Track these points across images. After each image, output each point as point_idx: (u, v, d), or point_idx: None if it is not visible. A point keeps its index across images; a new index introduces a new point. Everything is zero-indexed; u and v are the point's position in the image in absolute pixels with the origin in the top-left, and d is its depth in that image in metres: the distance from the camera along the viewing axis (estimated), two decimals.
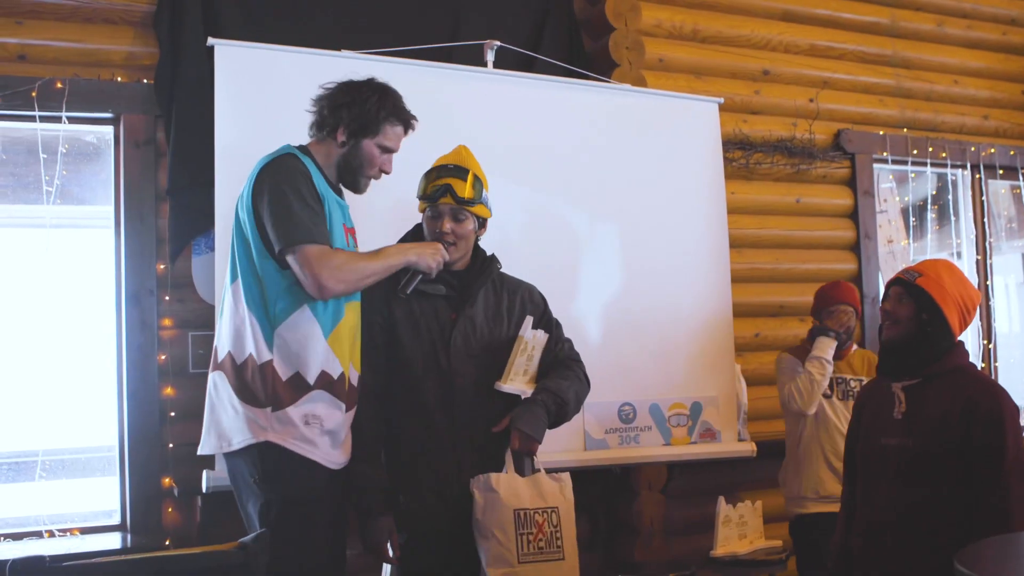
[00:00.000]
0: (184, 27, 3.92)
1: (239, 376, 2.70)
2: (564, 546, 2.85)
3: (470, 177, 2.96)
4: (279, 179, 2.69)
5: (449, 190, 2.92)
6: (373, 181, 2.96)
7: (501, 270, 3.12)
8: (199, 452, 2.84)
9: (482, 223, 3.04)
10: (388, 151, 2.90)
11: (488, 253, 3.11)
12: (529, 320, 2.97)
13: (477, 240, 3.07)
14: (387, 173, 2.93)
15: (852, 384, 4.20)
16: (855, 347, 4.35)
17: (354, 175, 2.89)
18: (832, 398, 4.17)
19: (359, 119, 2.82)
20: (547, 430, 2.91)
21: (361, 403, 2.88)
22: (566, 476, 2.95)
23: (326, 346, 2.72)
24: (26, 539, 3.71)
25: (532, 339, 2.94)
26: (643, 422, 4.15)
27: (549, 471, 2.94)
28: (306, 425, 2.69)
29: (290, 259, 2.64)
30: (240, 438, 2.68)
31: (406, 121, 2.92)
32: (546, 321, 3.10)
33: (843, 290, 4.33)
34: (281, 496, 2.66)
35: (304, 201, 2.67)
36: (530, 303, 3.10)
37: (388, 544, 2.85)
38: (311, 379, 2.70)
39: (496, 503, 2.78)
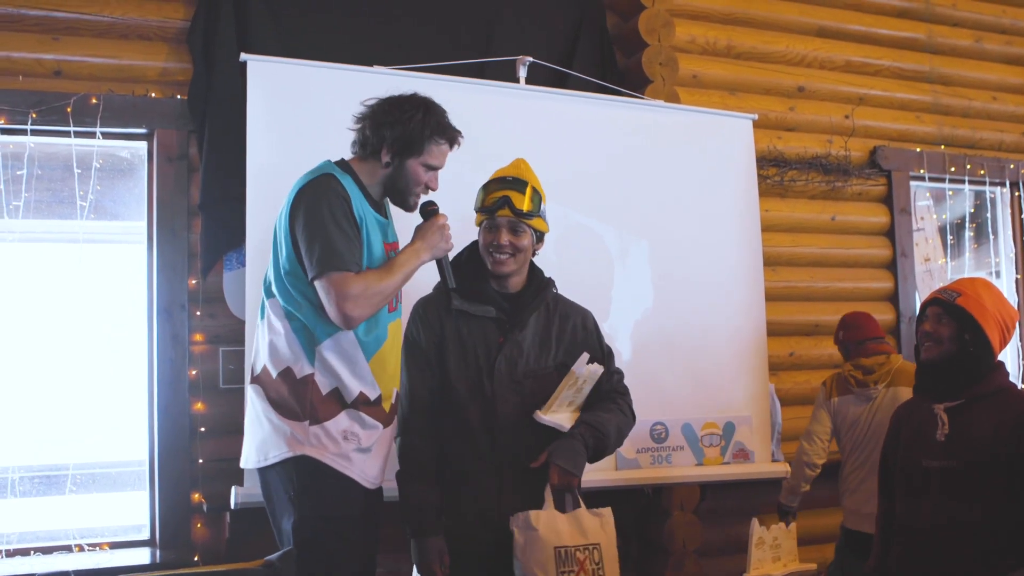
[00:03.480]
0: (217, 43, 3.94)
1: (276, 389, 2.67)
2: None
3: (528, 190, 2.91)
4: (314, 203, 2.63)
5: (507, 202, 2.88)
6: None
7: (556, 292, 3.07)
8: (241, 466, 2.83)
9: (540, 237, 2.99)
10: (433, 169, 2.82)
11: (546, 276, 3.06)
12: (585, 356, 2.89)
13: (534, 254, 3.02)
14: (433, 190, 2.85)
15: None
16: None
17: (401, 195, 2.82)
18: None
19: (402, 139, 2.74)
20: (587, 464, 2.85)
21: (414, 421, 2.85)
22: (607, 511, 2.88)
23: (367, 369, 2.70)
24: (56, 553, 3.72)
25: (584, 374, 2.86)
26: (675, 442, 4.10)
27: (581, 493, 2.89)
28: (344, 440, 2.66)
29: (319, 288, 2.60)
30: (276, 452, 2.65)
31: (451, 138, 2.83)
32: (599, 351, 3.03)
33: (874, 325, 4.29)
34: (316, 512, 2.63)
35: (338, 225, 2.61)
36: (582, 330, 3.03)
37: (439, 565, 2.80)
38: (349, 398, 2.68)
39: (536, 541, 2.73)
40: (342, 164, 2.80)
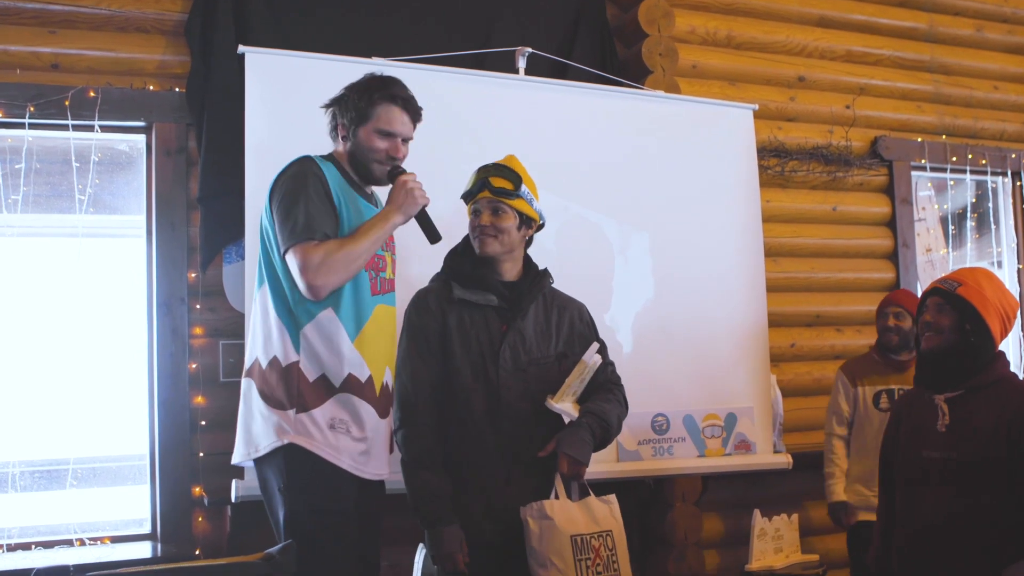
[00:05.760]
0: (215, 36, 3.93)
1: (266, 380, 2.69)
2: (621, 569, 2.82)
3: (507, 172, 2.95)
4: (285, 183, 2.70)
5: (486, 184, 2.91)
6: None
7: (552, 284, 3.09)
8: (232, 462, 2.83)
9: (527, 222, 2.99)
10: (388, 135, 2.82)
11: (540, 267, 3.08)
12: (595, 345, 2.93)
13: (527, 245, 3.05)
14: (396, 158, 2.84)
15: None
16: None
17: (364, 167, 2.85)
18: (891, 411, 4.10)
19: (352, 110, 2.80)
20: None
21: (419, 411, 2.84)
22: (613, 498, 2.92)
23: (352, 348, 2.70)
24: (57, 547, 3.73)
25: (591, 363, 2.91)
26: (677, 433, 4.09)
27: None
28: (331, 429, 2.66)
29: (288, 262, 2.65)
30: (266, 442, 2.66)
31: (396, 98, 2.83)
32: (598, 343, 3.06)
33: (896, 293, 4.33)
34: (306, 506, 2.63)
35: (308, 199, 2.65)
36: (580, 322, 3.06)
37: (460, 554, 2.77)
38: (337, 382, 2.68)
39: (552, 530, 2.74)
40: (328, 156, 2.85)
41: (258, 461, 2.72)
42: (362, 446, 2.71)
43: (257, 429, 2.69)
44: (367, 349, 2.73)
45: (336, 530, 2.65)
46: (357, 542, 2.72)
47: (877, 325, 4.26)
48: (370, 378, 2.73)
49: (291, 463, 2.63)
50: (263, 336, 2.72)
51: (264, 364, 2.69)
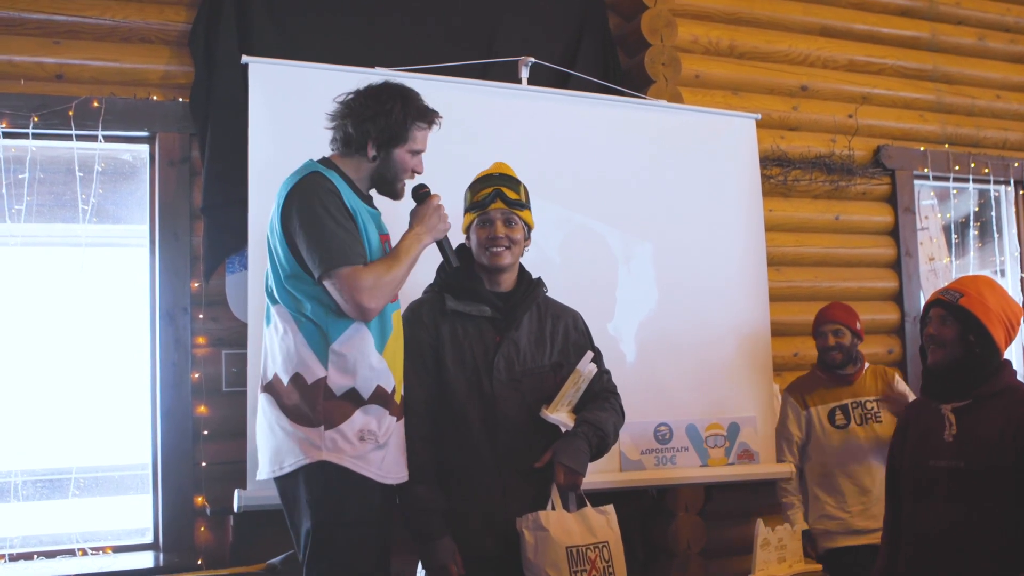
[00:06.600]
0: (219, 46, 3.94)
1: (288, 396, 2.65)
2: None
3: (514, 182, 2.96)
4: (307, 202, 2.63)
5: (499, 195, 2.91)
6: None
7: (546, 293, 3.09)
8: (258, 478, 2.81)
9: (527, 233, 3.01)
10: (418, 153, 2.84)
11: (534, 276, 3.08)
12: (589, 355, 2.94)
13: (523, 252, 3.04)
14: (419, 173, 2.86)
15: (869, 406, 4.08)
16: (866, 365, 4.22)
17: (390, 184, 2.83)
18: (849, 426, 4.07)
19: (386, 131, 2.75)
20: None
21: (413, 423, 2.84)
22: (611, 508, 2.91)
23: (381, 359, 2.69)
24: (59, 557, 3.72)
25: (586, 373, 2.90)
26: (680, 443, 4.08)
27: (585, 494, 2.89)
28: (361, 441, 2.64)
29: (328, 285, 2.60)
30: (292, 459, 2.63)
31: (431, 120, 2.85)
32: (593, 352, 3.06)
33: (830, 310, 4.23)
34: (334, 519, 2.61)
35: (335, 220, 2.61)
36: (574, 331, 3.06)
37: (453, 564, 2.79)
38: (366, 394, 2.66)
39: (547, 541, 2.74)
40: (325, 162, 2.80)
41: (281, 477, 2.69)
42: (384, 452, 2.70)
43: (281, 446, 2.65)
44: (392, 358, 2.73)
45: (361, 540, 2.64)
46: (377, 549, 2.71)
47: (817, 345, 4.22)
48: (394, 388, 2.73)
49: (320, 477, 2.61)
50: (283, 353, 2.68)
51: (286, 380, 2.66)
